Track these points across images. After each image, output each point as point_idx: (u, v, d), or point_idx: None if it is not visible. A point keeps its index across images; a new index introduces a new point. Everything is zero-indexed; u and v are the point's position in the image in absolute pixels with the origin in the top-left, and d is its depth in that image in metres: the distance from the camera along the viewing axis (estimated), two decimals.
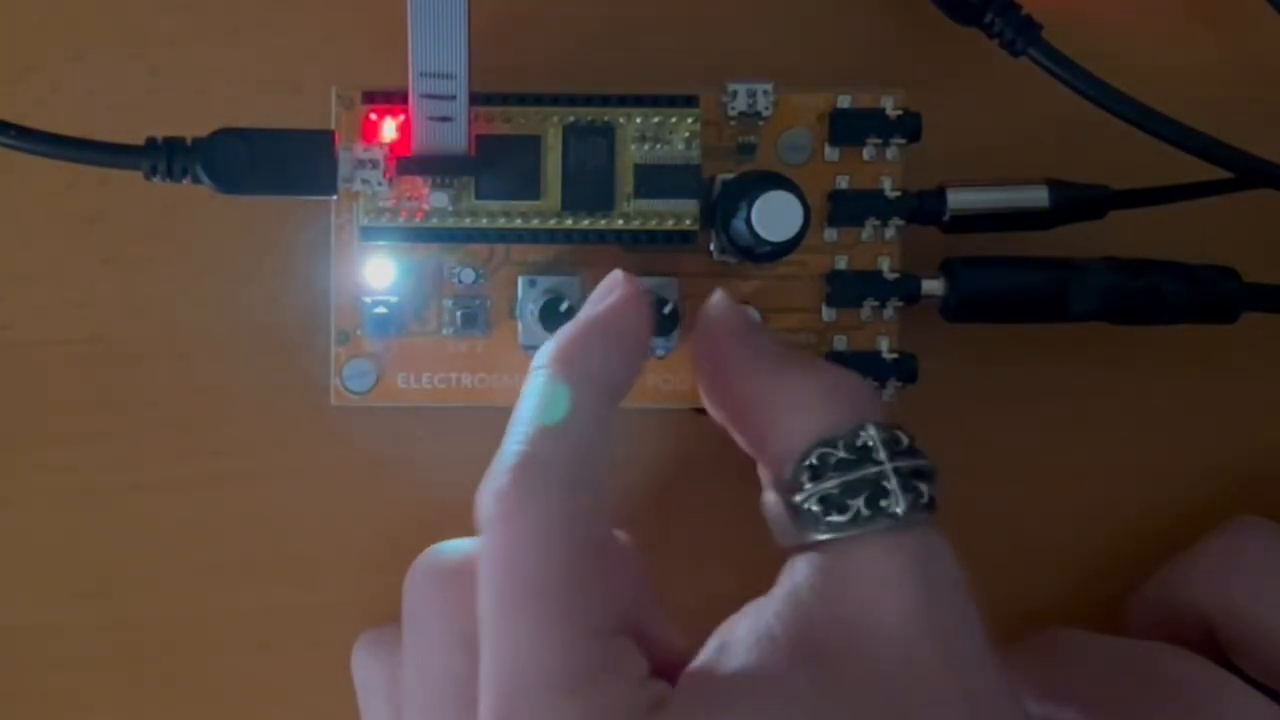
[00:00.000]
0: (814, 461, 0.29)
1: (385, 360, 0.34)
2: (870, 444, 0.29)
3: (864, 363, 0.34)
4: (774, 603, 0.29)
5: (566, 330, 0.30)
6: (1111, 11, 0.36)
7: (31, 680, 0.36)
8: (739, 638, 0.28)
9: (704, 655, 0.29)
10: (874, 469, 0.29)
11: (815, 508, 0.29)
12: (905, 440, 0.29)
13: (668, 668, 0.29)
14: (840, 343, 0.34)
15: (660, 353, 0.34)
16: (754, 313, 0.34)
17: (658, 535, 0.35)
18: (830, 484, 0.29)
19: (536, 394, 0.29)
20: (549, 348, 0.30)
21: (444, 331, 0.34)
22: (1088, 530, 0.37)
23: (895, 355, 0.34)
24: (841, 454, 0.29)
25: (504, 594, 0.28)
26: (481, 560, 0.28)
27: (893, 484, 0.28)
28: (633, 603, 0.29)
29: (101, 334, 0.36)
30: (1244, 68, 0.36)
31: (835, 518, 0.28)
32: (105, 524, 0.36)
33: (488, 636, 0.28)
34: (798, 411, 0.30)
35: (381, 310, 0.33)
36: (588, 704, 0.27)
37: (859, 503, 0.28)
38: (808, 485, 0.29)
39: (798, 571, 0.29)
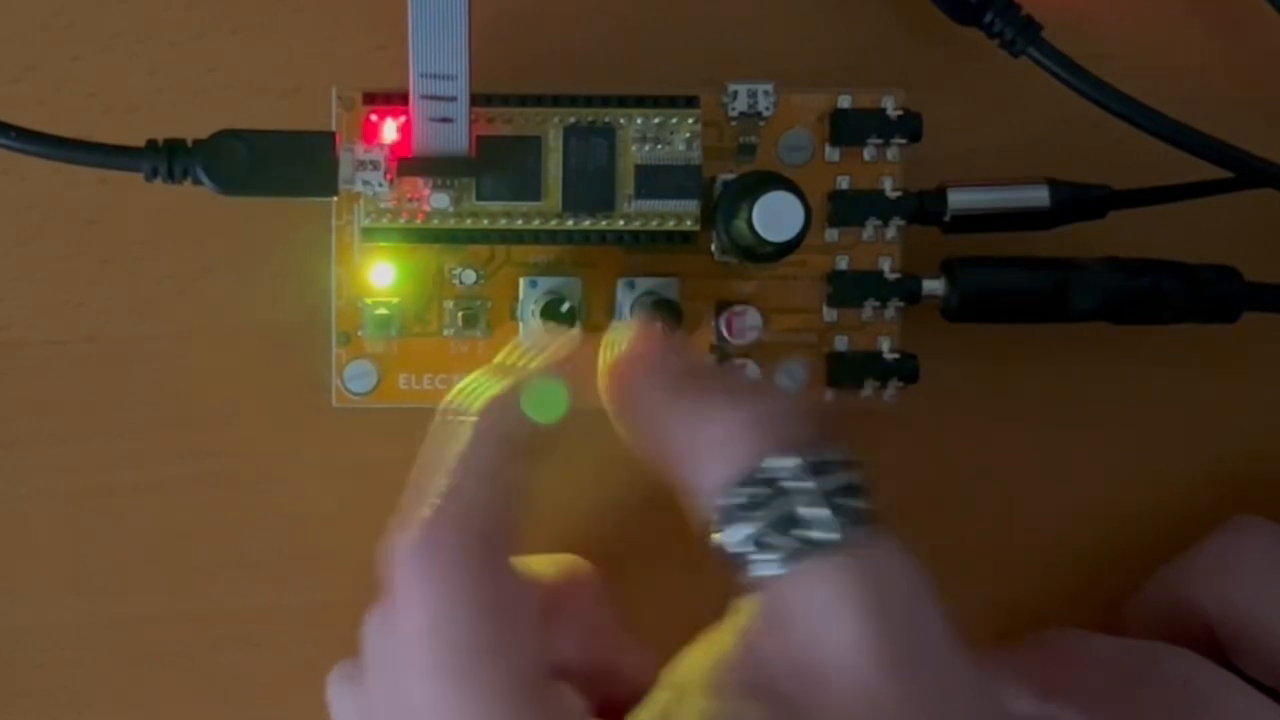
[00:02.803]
0: (736, 502, 0.28)
1: (386, 361, 0.34)
2: (789, 472, 0.27)
3: (865, 363, 0.34)
4: (725, 646, 0.28)
5: (494, 385, 0.30)
6: (1111, 11, 0.36)
7: (31, 680, 0.36)
8: (693, 682, 0.28)
9: (657, 701, 0.28)
10: (796, 498, 0.27)
11: (744, 549, 0.27)
12: (828, 457, 0.28)
13: (628, 701, 0.28)
14: (841, 343, 0.34)
15: None
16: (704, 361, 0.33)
17: (655, 540, 0.35)
18: (755, 523, 0.27)
19: (446, 443, 0.29)
20: (469, 396, 0.30)
21: (445, 332, 0.34)
22: (1088, 530, 0.37)
23: (896, 355, 0.34)
24: (760, 490, 0.27)
25: (424, 666, 0.28)
26: (398, 619, 0.28)
27: (819, 509, 0.27)
28: (590, 623, 0.30)
29: (101, 334, 0.35)
30: (1244, 68, 0.37)
31: (765, 556, 0.27)
32: (105, 524, 0.36)
33: (420, 705, 0.28)
34: (709, 455, 0.28)
35: (382, 311, 0.33)
36: None
37: (786, 537, 0.27)
38: (732, 528, 0.28)
39: (743, 615, 0.28)
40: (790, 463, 0.28)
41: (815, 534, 0.27)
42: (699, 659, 0.28)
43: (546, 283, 0.33)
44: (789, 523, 0.27)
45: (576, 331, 0.32)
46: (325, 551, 0.36)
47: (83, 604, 0.36)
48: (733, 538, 0.28)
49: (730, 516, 0.28)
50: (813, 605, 0.27)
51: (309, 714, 0.36)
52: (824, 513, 0.27)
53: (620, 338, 0.31)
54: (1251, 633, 0.33)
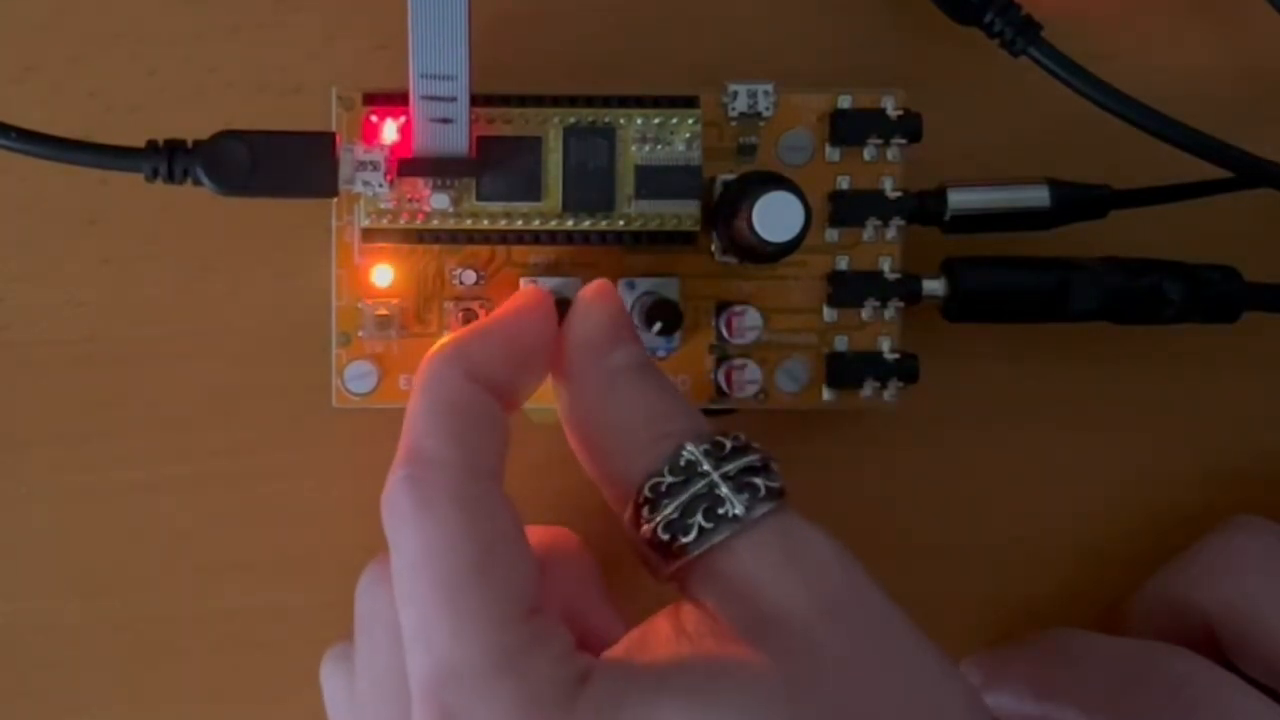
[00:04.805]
0: (648, 494, 0.29)
1: (386, 362, 0.34)
2: (693, 459, 0.29)
3: (865, 363, 0.34)
4: (683, 618, 0.29)
5: (460, 331, 0.31)
6: (1111, 11, 0.36)
7: (31, 680, 0.36)
8: (660, 628, 0.29)
9: (627, 640, 0.29)
10: (702, 482, 0.29)
11: (664, 537, 0.29)
12: (728, 444, 0.29)
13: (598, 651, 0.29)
14: (841, 343, 0.34)
15: (661, 353, 0.34)
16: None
17: None
18: (668, 510, 0.29)
19: (421, 391, 0.29)
20: (439, 345, 0.30)
21: (445, 333, 0.34)
22: (1088, 530, 0.37)
23: (896, 355, 0.34)
24: (669, 479, 0.29)
25: (414, 593, 0.28)
26: (392, 566, 0.29)
27: (725, 490, 0.28)
28: (572, 592, 0.30)
29: (101, 334, 0.35)
30: (1244, 68, 0.37)
31: (683, 539, 0.29)
32: (105, 524, 0.36)
33: (408, 636, 0.28)
34: (620, 453, 0.30)
35: (382, 312, 0.33)
36: (516, 682, 0.27)
37: (699, 518, 0.28)
38: (649, 518, 0.29)
39: (684, 606, 0.29)
40: (703, 447, 0.29)
41: (726, 512, 0.28)
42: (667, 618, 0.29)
43: (546, 283, 0.33)
44: (701, 504, 0.29)
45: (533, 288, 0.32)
46: (325, 551, 0.36)
47: (83, 604, 0.36)
48: (654, 525, 0.29)
49: (650, 506, 0.29)
50: (740, 574, 0.28)
51: (309, 714, 0.36)
52: (731, 493, 0.29)
53: (583, 315, 0.31)
54: (1251, 633, 0.33)
